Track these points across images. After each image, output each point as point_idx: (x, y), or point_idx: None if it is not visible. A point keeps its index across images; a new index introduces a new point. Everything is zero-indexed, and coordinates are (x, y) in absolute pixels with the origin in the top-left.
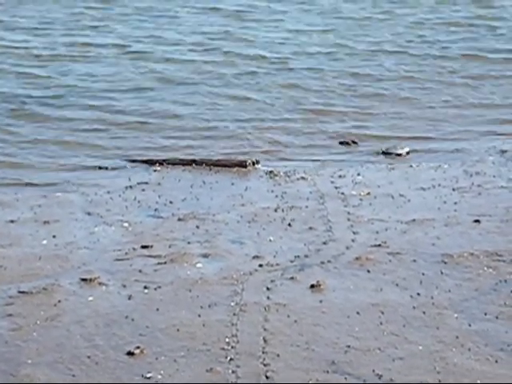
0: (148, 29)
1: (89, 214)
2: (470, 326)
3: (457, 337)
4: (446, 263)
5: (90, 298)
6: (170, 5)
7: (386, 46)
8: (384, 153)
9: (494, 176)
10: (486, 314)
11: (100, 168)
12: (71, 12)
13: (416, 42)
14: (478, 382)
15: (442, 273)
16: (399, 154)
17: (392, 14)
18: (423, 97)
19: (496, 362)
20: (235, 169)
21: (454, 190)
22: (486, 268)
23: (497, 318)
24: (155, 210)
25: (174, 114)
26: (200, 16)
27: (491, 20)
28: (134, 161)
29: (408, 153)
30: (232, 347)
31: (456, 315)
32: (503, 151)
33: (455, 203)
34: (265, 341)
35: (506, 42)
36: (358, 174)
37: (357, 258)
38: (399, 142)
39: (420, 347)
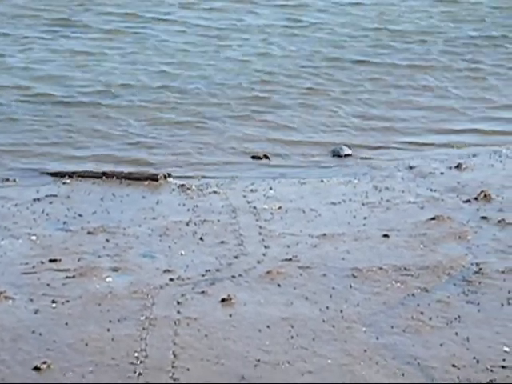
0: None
1: None
2: (377, 339)
3: (365, 350)
4: (355, 277)
5: None
6: None
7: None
8: (334, 155)
9: (402, 191)
10: (393, 328)
11: (7, 180)
12: None
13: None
14: None
15: (351, 287)
16: (348, 155)
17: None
18: (335, 108)
19: (403, 375)
20: (146, 182)
21: (363, 204)
22: (394, 282)
23: (404, 331)
24: (64, 223)
25: (84, 126)
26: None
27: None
28: (42, 173)
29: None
30: (141, 362)
31: (364, 329)
32: (411, 167)
33: (365, 218)
34: (174, 355)
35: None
36: (270, 189)
37: (268, 272)
38: (338, 147)
39: (329, 361)
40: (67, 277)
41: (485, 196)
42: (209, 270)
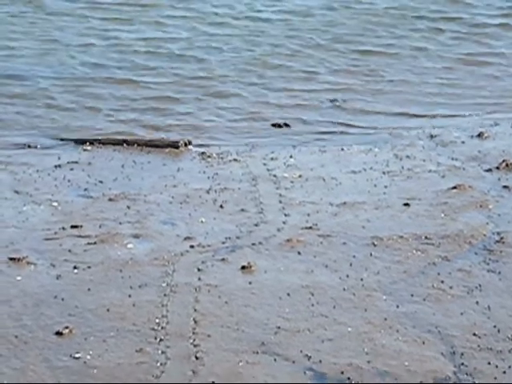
0: None
1: (17, 192)
2: (398, 307)
3: (385, 318)
4: (375, 246)
5: (18, 278)
6: None
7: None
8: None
9: (423, 160)
10: (413, 296)
11: (29, 146)
12: None
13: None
14: (406, 363)
15: (371, 255)
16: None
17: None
18: (358, 76)
19: (423, 343)
20: (167, 149)
21: (384, 173)
22: (414, 251)
23: (424, 300)
24: (85, 189)
25: (105, 94)
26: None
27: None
28: (63, 139)
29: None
30: (162, 328)
31: (385, 297)
32: (432, 136)
33: (385, 187)
34: (195, 322)
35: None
36: (291, 157)
37: (288, 240)
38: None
39: (349, 328)
40: (89, 243)
41: (506, 165)
42: (229, 238)
